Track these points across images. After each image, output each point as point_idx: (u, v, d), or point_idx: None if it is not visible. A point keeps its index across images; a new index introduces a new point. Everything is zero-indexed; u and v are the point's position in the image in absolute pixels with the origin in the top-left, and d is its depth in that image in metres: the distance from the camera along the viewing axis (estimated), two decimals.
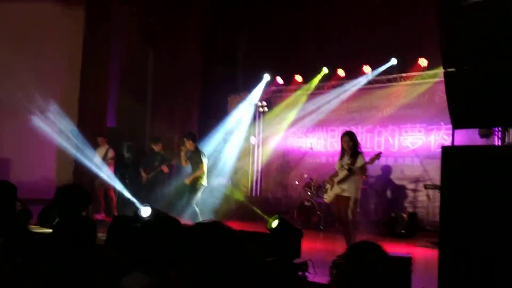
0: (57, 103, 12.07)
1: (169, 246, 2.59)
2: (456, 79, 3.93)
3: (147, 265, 2.57)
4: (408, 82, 11.24)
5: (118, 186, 10.33)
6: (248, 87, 13.90)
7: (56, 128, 12.06)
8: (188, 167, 9.56)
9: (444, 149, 3.90)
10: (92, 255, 2.72)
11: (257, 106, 13.81)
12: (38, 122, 11.70)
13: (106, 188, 10.47)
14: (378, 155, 7.35)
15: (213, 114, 14.34)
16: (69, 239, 2.73)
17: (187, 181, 9.25)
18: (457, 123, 3.99)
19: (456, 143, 4.22)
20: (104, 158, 10.50)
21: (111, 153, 10.60)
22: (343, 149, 7.39)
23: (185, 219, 8.94)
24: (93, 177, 10.47)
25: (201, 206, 9.50)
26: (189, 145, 9.32)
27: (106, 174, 10.39)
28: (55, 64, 12.45)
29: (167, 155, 10.71)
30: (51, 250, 2.76)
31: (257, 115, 13.99)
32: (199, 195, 9.23)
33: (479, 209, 3.53)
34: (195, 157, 9.30)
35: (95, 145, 10.89)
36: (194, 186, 9.17)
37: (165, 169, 10.23)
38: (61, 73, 12.75)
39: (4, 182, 3.42)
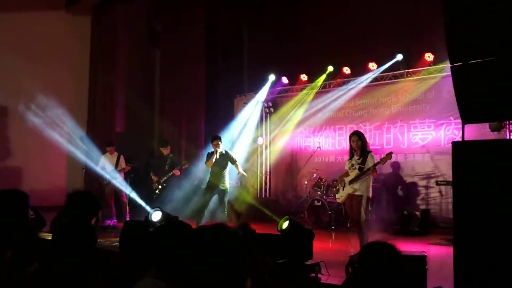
0: (66, 110, 12.13)
1: (181, 251, 2.58)
2: (463, 73, 3.88)
3: (160, 270, 2.56)
4: (415, 77, 11.16)
5: (130, 191, 10.34)
6: (254, 88, 13.89)
7: (66, 135, 12.13)
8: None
9: (454, 144, 3.85)
10: (90, 260, 2.71)
11: (263, 107, 13.78)
12: (48, 130, 11.76)
13: (118, 193, 10.49)
14: (389, 155, 7.29)
15: (219, 115, 14.35)
16: (66, 243, 2.73)
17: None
18: (467, 118, 3.94)
19: (466, 138, 4.16)
20: (116, 166, 10.54)
21: (123, 161, 10.64)
22: (351, 148, 7.35)
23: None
24: (104, 184, 10.49)
25: (210, 208, 9.53)
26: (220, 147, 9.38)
27: (118, 180, 10.41)
28: (64, 72, 12.54)
29: (176, 158, 10.73)
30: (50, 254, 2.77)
31: (264, 115, 13.96)
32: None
33: (492, 205, 3.48)
34: (229, 159, 9.45)
35: (104, 152, 10.92)
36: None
37: (177, 172, 10.25)
38: (69, 80, 12.83)
39: (16, 191, 3.42)
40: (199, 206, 9.38)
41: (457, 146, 3.80)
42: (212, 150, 9.43)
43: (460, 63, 3.82)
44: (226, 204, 9.26)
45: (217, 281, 1.59)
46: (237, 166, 9.58)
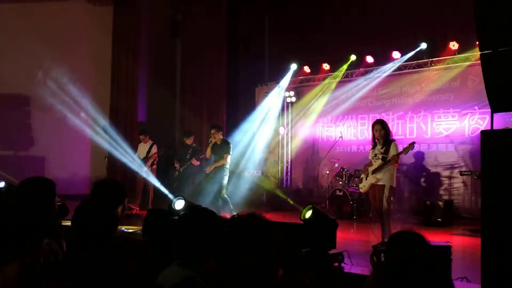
0: (89, 99, 12.25)
1: (207, 238, 2.58)
2: (493, 61, 3.80)
3: (185, 258, 2.56)
4: (439, 66, 11.00)
5: (155, 181, 10.47)
6: (275, 77, 13.85)
7: (89, 124, 12.25)
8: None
9: (484, 133, 3.77)
10: (112, 247, 2.72)
11: (285, 96, 13.74)
12: (71, 118, 11.90)
13: (147, 182, 10.65)
14: (412, 145, 7.21)
15: (241, 105, 14.36)
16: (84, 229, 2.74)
17: (207, 169, 9.45)
18: (496, 107, 3.86)
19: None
20: (148, 154, 10.69)
21: (154, 149, 10.77)
22: (374, 137, 7.29)
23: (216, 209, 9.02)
24: (134, 172, 10.67)
25: (231, 197, 9.54)
26: (218, 136, 9.39)
27: (146, 169, 10.54)
28: (86, 61, 12.64)
29: (198, 148, 10.81)
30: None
31: (285, 105, 13.92)
32: (225, 184, 9.33)
33: None
34: (224, 148, 9.38)
35: (127, 139, 11.08)
36: (216, 175, 9.29)
37: (195, 162, 10.37)
38: (92, 70, 12.94)
39: (43, 179, 3.46)
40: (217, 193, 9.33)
41: (486, 135, 3.72)
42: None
43: (490, 51, 3.74)
44: (221, 192, 9.25)
45: (251, 269, 1.58)
46: (224, 159, 9.33)
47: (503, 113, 7.67)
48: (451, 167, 10.66)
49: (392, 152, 7.04)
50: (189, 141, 10.63)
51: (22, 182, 3.34)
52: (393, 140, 7.21)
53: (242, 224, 1.72)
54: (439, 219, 9.45)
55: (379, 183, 7.13)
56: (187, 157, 10.48)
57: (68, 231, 2.89)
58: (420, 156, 11.03)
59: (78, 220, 2.81)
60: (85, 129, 12.16)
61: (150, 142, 10.93)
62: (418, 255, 1.64)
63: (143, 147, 10.90)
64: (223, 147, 9.38)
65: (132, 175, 10.97)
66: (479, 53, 3.91)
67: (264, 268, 1.60)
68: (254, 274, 1.58)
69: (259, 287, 1.59)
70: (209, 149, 9.46)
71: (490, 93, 3.77)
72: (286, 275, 1.69)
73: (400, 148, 7.19)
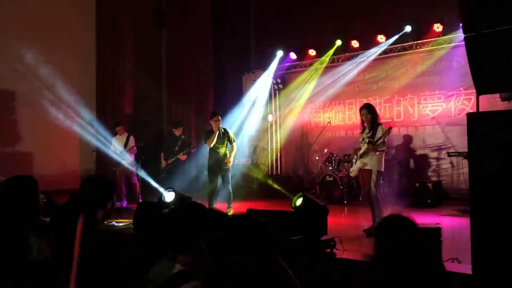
0: (75, 92, 12.12)
1: (198, 232, 2.57)
2: (477, 43, 3.81)
3: (176, 253, 2.55)
4: (424, 49, 11.04)
5: (141, 172, 10.35)
6: (262, 65, 13.81)
7: (76, 118, 12.14)
8: (204, 148, 9.52)
9: (470, 115, 3.79)
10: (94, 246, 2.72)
11: (272, 83, 13.70)
12: (58, 113, 11.79)
13: (129, 175, 10.50)
14: (388, 130, 7.10)
15: (228, 93, 14.29)
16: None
17: (229, 163, 9.11)
18: (481, 89, 3.88)
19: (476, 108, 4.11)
20: (125, 146, 10.52)
21: (132, 141, 10.62)
22: (363, 122, 7.31)
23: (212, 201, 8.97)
24: (114, 165, 10.51)
25: (221, 186, 9.44)
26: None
27: (128, 161, 10.42)
28: (70, 53, 12.45)
29: (187, 140, 10.66)
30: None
31: (273, 92, 13.89)
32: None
33: (509, 175, 3.44)
34: (228, 135, 9.25)
35: (114, 133, 10.93)
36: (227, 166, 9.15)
37: (182, 157, 10.10)
38: (76, 62, 12.76)
39: (24, 177, 3.44)
40: (209, 192, 9.08)
41: (472, 117, 3.74)
42: (210, 128, 9.22)
43: (474, 33, 3.75)
44: (229, 183, 9.10)
45: (248, 267, 1.59)
46: (232, 148, 9.22)
47: (490, 94, 7.76)
48: (439, 148, 10.74)
49: (378, 135, 7.07)
50: (177, 132, 10.40)
51: (5, 181, 3.33)
52: (380, 124, 7.23)
53: (238, 224, 1.72)
54: (428, 201, 9.56)
55: (366, 168, 7.17)
56: (176, 149, 10.19)
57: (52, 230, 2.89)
58: (408, 138, 11.09)
59: (59, 219, 2.80)
60: (72, 124, 12.04)
61: (126, 134, 10.76)
62: (407, 240, 1.65)
63: (120, 140, 10.68)
64: (227, 134, 9.24)
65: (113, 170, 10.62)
66: (463, 35, 3.92)
67: (261, 270, 1.61)
68: (250, 275, 1.59)
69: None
70: (214, 138, 9.08)
71: (475, 75, 3.79)
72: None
73: (394, 132, 7.19)
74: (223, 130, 9.21)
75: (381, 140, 7.04)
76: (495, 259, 3.57)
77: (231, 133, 9.39)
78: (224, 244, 1.67)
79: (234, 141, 9.29)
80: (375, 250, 2.88)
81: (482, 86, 3.81)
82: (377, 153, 7.11)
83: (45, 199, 3.69)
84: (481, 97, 4.19)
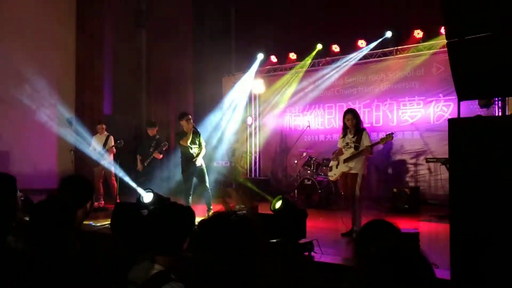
0: (54, 92, 11.94)
1: (179, 233, 2.54)
2: (459, 49, 3.83)
3: (156, 254, 2.51)
4: (404, 54, 11.14)
5: (119, 173, 10.19)
6: (242, 67, 13.79)
7: (54, 117, 11.96)
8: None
9: (451, 121, 3.81)
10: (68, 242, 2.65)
11: (252, 86, 13.67)
12: (36, 112, 11.59)
13: (107, 175, 10.35)
14: (390, 135, 7.22)
15: (208, 95, 14.23)
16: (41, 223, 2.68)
17: (198, 162, 8.96)
18: (463, 95, 3.90)
19: (454, 114, 4.14)
20: (105, 146, 10.37)
21: (111, 141, 10.47)
22: (345, 126, 7.31)
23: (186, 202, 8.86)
24: (93, 165, 10.36)
25: (199, 187, 9.32)
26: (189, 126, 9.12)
27: (107, 161, 10.27)
28: (50, 52, 12.28)
29: (161, 139, 10.50)
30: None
31: (253, 95, 13.87)
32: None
33: (490, 181, 3.46)
34: (199, 137, 9.14)
35: (93, 133, 10.77)
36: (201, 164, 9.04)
37: (157, 155, 9.98)
38: (56, 62, 12.58)
39: (4, 174, 3.34)
40: (185, 192, 8.93)
41: (454, 123, 3.76)
42: (181, 130, 9.08)
43: (456, 39, 3.77)
44: (207, 183, 9.02)
45: (228, 268, 1.54)
46: (201, 149, 9.07)
47: (469, 101, 7.84)
48: (417, 154, 10.82)
49: (364, 141, 7.09)
50: (151, 131, 10.23)
51: None
52: (364, 129, 7.26)
53: (214, 223, 1.68)
54: (406, 206, 9.60)
55: (351, 172, 7.17)
56: (150, 150, 10.03)
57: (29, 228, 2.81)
58: (386, 144, 11.08)
59: (36, 216, 2.73)
60: (50, 123, 11.85)
61: (106, 134, 10.60)
62: (396, 244, 1.64)
63: (99, 139, 10.53)
64: (198, 135, 9.14)
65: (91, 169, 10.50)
66: (445, 41, 3.94)
67: (240, 266, 1.56)
68: (230, 277, 1.55)
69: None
70: (190, 137, 8.93)
71: (457, 81, 3.81)
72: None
73: (374, 138, 7.23)
74: (195, 131, 9.10)
75: (372, 146, 7.08)
76: (474, 265, 3.58)
77: (202, 138, 9.23)
78: (202, 244, 1.62)
79: (203, 145, 9.15)
80: (356, 254, 2.88)
81: (463, 92, 3.83)
82: (367, 155, 7.14)
83: (23, 197, 3.59)
84: (461, 104, 4.22)
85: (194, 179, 9.03)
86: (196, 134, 9.10)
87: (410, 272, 1.34)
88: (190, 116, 9.08)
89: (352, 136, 7.21)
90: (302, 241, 5.53)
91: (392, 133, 7.34)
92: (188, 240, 2.58)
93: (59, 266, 1.37)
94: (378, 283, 1.32)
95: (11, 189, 3.27)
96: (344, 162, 7.25)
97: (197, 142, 9.05)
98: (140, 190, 6.91)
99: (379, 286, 1.31)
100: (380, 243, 1.54)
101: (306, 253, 5.44)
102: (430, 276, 1.37)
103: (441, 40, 10.03)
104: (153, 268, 2.42)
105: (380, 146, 10.97)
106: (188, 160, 8.99)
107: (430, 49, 10.53)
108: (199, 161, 8.99)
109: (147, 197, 6.15)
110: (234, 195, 11.33)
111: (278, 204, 5.69)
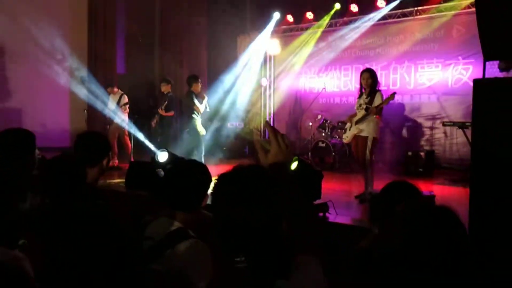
0: (66, 50, 11.86)
1: (198, 189, 2.51)
2: (488, 7, 3.68)
3: (175, 210, 2.49)
4: (424, 15, 10.84)
5: (134, 131, 10.17)
6: (258, 27, 13.53)
7: (67, 75, 11.91)
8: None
9: (476, 81, 3.69)
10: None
11: (267, 46, 13.45)
12: (48, 69, 11.54)
13: (121, 134, 10.35)
14: (392, 96, 7.01)
15: (222, 54, 14.03)
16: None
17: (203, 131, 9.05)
18: (489, 55, 3.77)
19: (472, 78, 4.02)
20: (118, 104, 10.34)
21: (125, 99, 10.43)
22: (361, 87, 7.17)
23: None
24: (107, 123, 10.36)
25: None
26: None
27: (121, 119, 10.25)
28: (62, 10, 12.15)
29: (174, 97, 10.43)
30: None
31: (268, 55, 13.68)
32: None
33: None
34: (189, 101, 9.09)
35: (107, 92, 10.73)
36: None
37: (163, 113, 10.06)
38: (68, 19, 12.47)
39: (22, 130, 3.32)
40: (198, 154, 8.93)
41: (478, 84, 3.64)
42: (191, 91, 9.05)
43: None
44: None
45: (252, 220, 1.49)
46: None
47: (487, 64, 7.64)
48: (433, 118, 10.68)
49: (376, 103, 6.95)
50: (164, 88, 10.23)
51: (1, 134, 3.19)
52: (379, 90, 7.09)
53: (241, 175, 1.62)
54: (420, 170, 9.54)
55: (361, 134, 7.06)
56: (162, 107, 10.10)
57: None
58: (402, 107, 11.01)
59: (45, 173, 2.73)
60: (63, 80, 11.81)
61: (119, 92, 10.55)
62: (426, 203, 1.59)
63: (113, 98, 10.48)
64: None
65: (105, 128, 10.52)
66: (468, 1, 3.79)
67: (265, 220, 1.51)
68: (255, 224, 1.50)
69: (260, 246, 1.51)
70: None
71: (484, 41, 3.67)
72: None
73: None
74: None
75: (381, 106, 6.93)
76: (493, 229, 3.54)
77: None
78: (228, 196, 1.57)
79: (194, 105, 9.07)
80: (375, 215, 2.84)
81: (490, 51, 3.70)
82: (376, 117, 7.00)
83: (40, 155, 3.57)
84: (477, 67, 4.09)
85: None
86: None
87: (446, 228, 1.29)
88: (198, 81, 9.10)
89: (366, 97, 7.06)
90: (317, 202, 5.53)
91: (394, 93, 7.10)
92: (206, 197, 2.56)
93: (73, 221, 1.34)
94: (412, 242, 1.27)
95: (31, 146, 3.26)
96: (355, 124, 7.13)
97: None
98: (155, 149, 6.89)
99: (414, 245, 1.26)
100: (407, 202, 1.49)
101: (321, 214, 5.45)
102: (464, 233, 1.31)
103: (464, 0, 9.74)
104: (172, 224, 2.41)
105: (394, 110, 10.92)
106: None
107: (452, 10, 10.21)
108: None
109: (162, 156, 6.12)
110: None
111: (294, 165, 5.64)
